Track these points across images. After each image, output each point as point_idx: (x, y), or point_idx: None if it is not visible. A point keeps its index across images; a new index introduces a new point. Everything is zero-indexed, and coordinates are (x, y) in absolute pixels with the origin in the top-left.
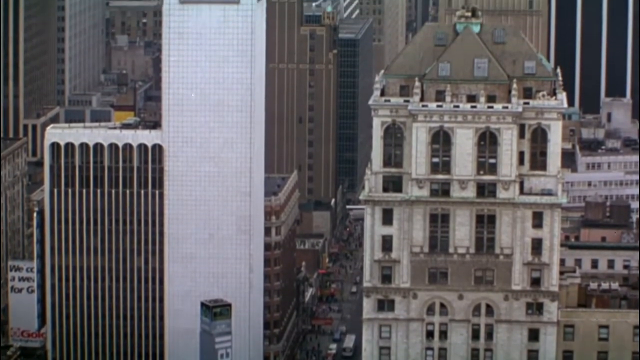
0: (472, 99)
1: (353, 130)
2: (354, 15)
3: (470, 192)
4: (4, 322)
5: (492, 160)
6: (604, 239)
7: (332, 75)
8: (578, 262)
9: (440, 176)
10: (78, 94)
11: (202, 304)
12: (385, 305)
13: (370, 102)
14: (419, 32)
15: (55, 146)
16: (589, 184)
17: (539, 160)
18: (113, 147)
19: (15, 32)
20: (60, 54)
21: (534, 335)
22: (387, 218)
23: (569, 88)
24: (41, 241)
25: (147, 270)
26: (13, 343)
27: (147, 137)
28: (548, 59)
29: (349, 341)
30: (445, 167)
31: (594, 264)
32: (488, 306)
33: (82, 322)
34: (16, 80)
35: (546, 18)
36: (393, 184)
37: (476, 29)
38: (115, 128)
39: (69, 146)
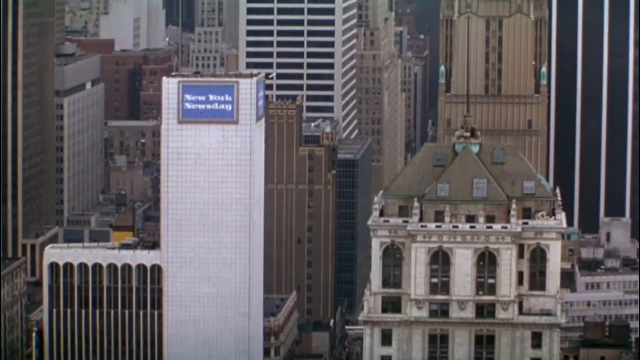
0: (471, 219)
1: (352, 250)
2: (353, 136)
3: (470, 313)
4: None
5: (491, 281)
6: (603, 359)
7: (331, 196)
8: None
9: (439, 297)
10: (77, 214)
11: None
12: None
13: (370, 222)
14: (418, 153)
15: (54, 266)
16: (589, 304)
17: (538, 281)
18: (112, 267)
19: (14, 152)
20: (59, 174)
21: None
22: (387, 339)
23: (568, 208)
24: None
25: None
26: None
27: (146, 257)
28: (547, 179)
29: None
30: (445, 287)
31: None
32: None
33: None
34: (15, 200)
35: (545, 138)
36: (392, 304)
37: (475, 149)
38: (114, 248)
39: (68, 266)
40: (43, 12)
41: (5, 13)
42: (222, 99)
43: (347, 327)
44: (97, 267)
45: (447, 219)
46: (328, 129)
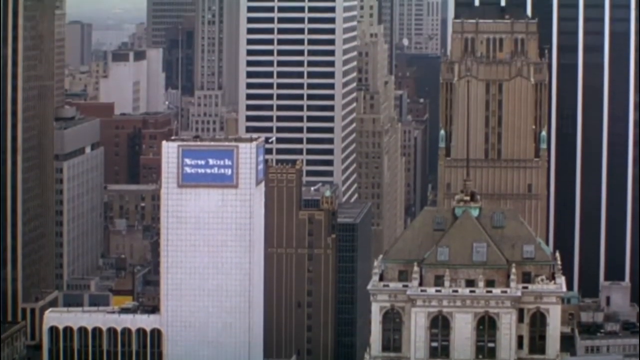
0: (471, 283)
1: (352, 314)
2: (352, 200)
3: None
4: None
5: (491, 345)
6: None
7: (330, 259)
8: None
9: None
10: (76, 278)
11: None
12: None
13: (369, 287)
14: (418, 217)
15: (53, 330)
16: None
17: (538, 344)
18: (112, 331)
19: (14, 215)
20: (58, 238)
21: None
22: None
23: (568, 272)
24: None
25: None
26: None
27: (145, 321)
28: (547, 242)
29: None
30: (445, 351)
31: None
32: None
33: None
34: (14, 263)
35: (545, 202)
36: None
37: (475, 213)
38: (113, 312)
39: (68, 330)
40: (42, 75)
41: (5, 76)
42: (222, 162)
43: None
44: (97, 331)
45: (447, 283)
46: (327, 193)
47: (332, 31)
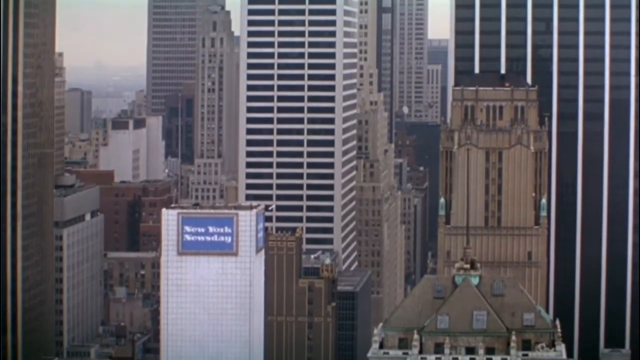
0: (471, 351)
1: None
2: (352, 268)
3: None
4: None
5: None
6: None
7: (330, 327)
8: None
9: None
10: (76, 345)
11: None
12: None
13: (369, 354)
14: (418, 285)
15: None
16: None
17: None
18: None
19: (14, 283)
20: (58, 305)
21: None
22: None
23: (568, 339)
24: None
25: None
26: None
27: None
28: (547, 310)
29: None
30: None
31: None
32: None
33: None
34: (14, 330)
35: (545, 270)
36: None
37: (475, 281)
38: None
39: None
40: (42, 143)
41: (5, 144)
42: (222, 230)
43: None
44: None
45: (447, 351)
46: (327, 261)
47: (331, 99)
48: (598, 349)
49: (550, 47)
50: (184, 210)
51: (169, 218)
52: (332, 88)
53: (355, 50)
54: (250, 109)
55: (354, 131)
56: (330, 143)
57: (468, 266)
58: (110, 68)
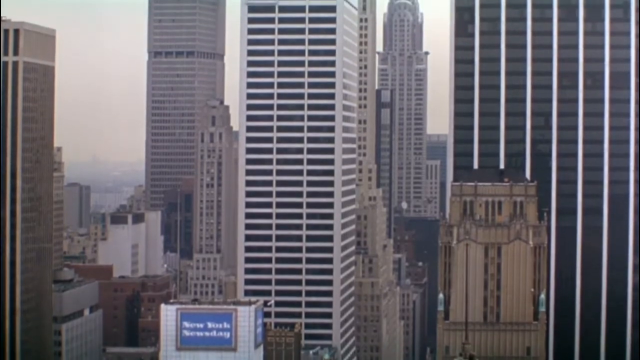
0: None
1: None
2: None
3: None
4: None
5: None
6: None
7: None
8: None
9: None
10: None
11: None
12: None
13: None
14: None
15: None
16: None
17: None
18: None
19: None
20: None
21: None
22: None
23: None
24: None
25: None
26: None
27: None
28: None
29: None
30: None
31: None
32: None
33: None
34: None
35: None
36: None
37: None
38: None
39: None
40: (41, 237)
41: (4, 238)
42: (221, 326)
43: None
44: None
45: None
46: (326, 356)
47: (330, 194)
48: None
49: (549, 143)
50: (183, 306)
51: (168, 313)
52: (331, 183)
53: (354, 145)
54: (249, 204)
55: (353, 226)
56: (330, 238)
57: None
58: (109, 163)
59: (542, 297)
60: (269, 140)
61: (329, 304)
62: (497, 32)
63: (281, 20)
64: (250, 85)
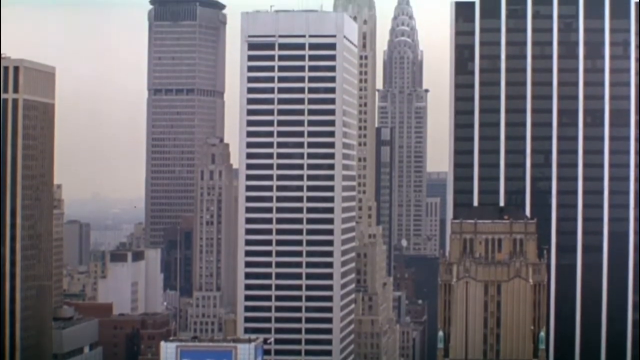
0: None
1: None
2: None
3: None
4: None
5: None
6: None
7: None
8: None
9: None
10: None
11: None
12: None
13: None
14: None
15: None
16: None
17: None
18: None
19: None
20: None
21: None
22: None
23: None
24: None
25: None
26: None
27: None
28: None
29: None
30: None
31: None
32: None
33: None
34: None
35: None
36: None
37: None
38: None
39: None
40: (40, 275)
41: (3, 275)
42: None
43: None
44: None
45: None
46: None
47: (330, 232)
48: None
49: (549, 180)
50: (183, 343)
51: (168, 351)
52: (330, 221)
53: (354, 182)
54: (249, 242)
55: (353, 264)
56: (329, 276)
57: None
58: (109, 200)
59: (542, 335)
60: (269, 177)
61: (329, 342)
62: (497, 69)
63: (281, 58)
64: (250, 122)
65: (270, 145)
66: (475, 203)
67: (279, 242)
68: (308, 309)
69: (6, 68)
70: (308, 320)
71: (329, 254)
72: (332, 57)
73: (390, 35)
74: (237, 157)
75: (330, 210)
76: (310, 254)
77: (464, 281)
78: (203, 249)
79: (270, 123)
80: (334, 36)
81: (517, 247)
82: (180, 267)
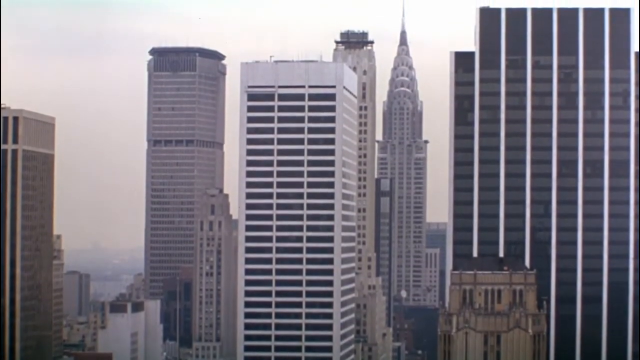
0: None
1: None
2: None
3: None
4: None
5: None
6: None
7: None
8: None
9: None
10: None
11: None
12: None
13: None
14: None
15: None
16: None
17: None
18: None
19: None
20: None
21: None
22: None
23: None
24: None
25: None
26: None
27: None
28: None
29: None
30: None
31: None
32: None
33: None
34: None
35: None
36: None
37: None
38: None
39: None
40: (40, 325)
41: (3, 327)
42: None
43: None
44: None
45: None
46: None
47: (330, 283)
48: None
49: (548, 231)
50: None
51: None
52: (330, 272)
53: (353, 233)
54: (248, 293)
55: (353, 315)
56: (329, 327)
57: None
58: (109, 251)
59: None
60: (269, 228)
61: None
62: (497, 120)
63: (281, 109)
64: (249, 173)
65: (270, 195)
66: (475, 254)
67: (279, 293)
68: None
69: (6, 118)
70: None
71: (329, 304)
72: (332, 108)
73: (390, 86)
74: (236, 208)
75: (330, 261)
76: (310, 304)
77: (463, 332)
78: (203, 299)
79: (270, 174)
80: (334, 87)
81: (517, 298)
82: (179, 318)
